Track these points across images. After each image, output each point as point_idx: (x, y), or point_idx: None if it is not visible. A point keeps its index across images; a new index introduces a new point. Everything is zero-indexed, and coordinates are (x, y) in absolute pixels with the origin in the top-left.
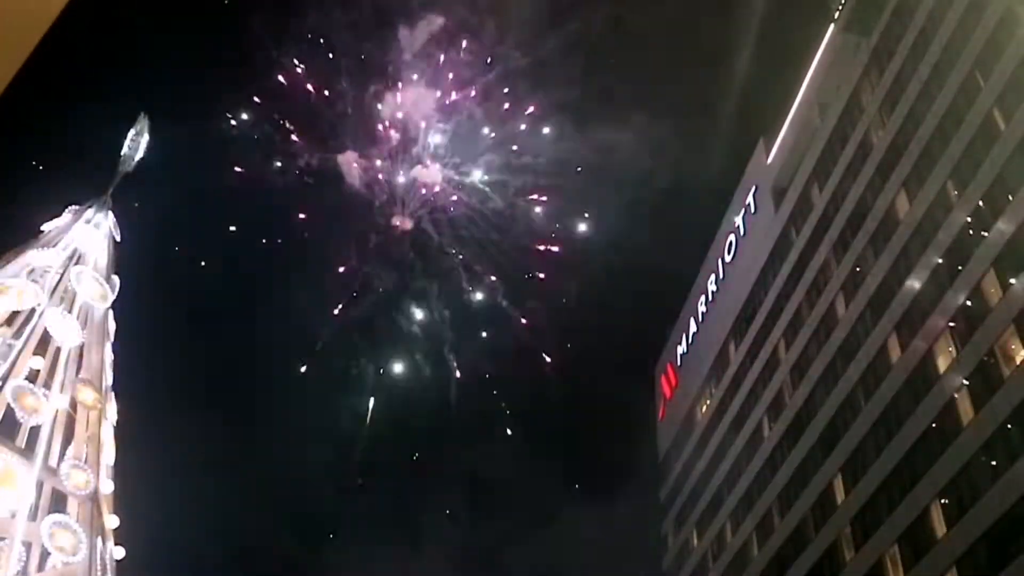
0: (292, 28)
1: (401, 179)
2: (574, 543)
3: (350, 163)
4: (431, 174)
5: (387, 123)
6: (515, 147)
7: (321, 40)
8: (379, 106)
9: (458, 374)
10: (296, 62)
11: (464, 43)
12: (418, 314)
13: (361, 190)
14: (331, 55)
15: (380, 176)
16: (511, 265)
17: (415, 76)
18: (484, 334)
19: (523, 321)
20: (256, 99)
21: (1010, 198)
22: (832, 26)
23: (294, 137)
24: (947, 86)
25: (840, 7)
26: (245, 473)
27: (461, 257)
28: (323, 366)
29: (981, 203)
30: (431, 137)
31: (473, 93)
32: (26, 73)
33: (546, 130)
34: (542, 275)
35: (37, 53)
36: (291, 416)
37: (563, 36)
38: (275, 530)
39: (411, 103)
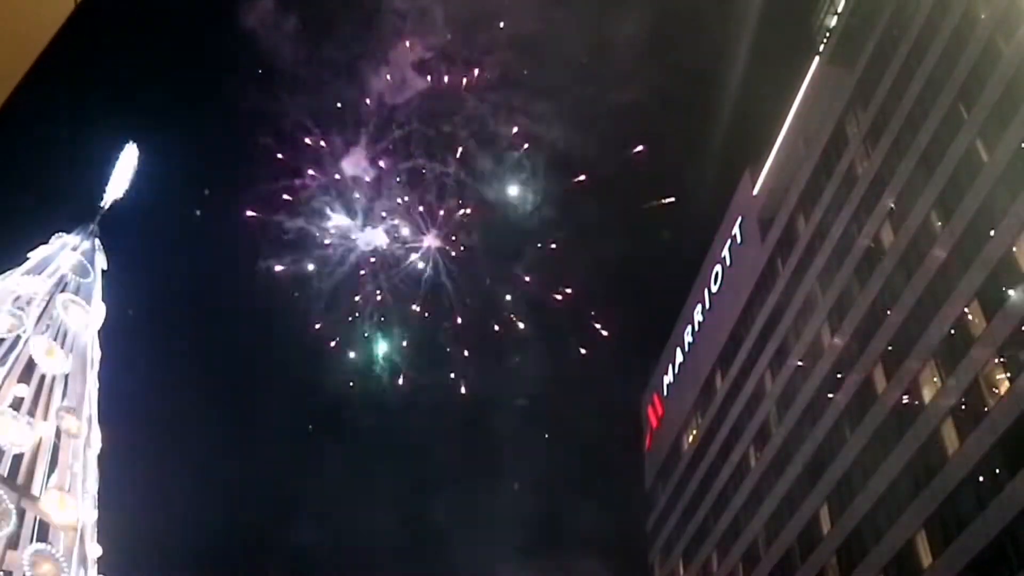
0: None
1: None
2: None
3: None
4: None
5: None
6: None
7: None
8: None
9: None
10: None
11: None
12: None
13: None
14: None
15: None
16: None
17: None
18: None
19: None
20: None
21: (992, 229)
22: (817, 58)
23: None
24: (930, 118)
25: (825, 40)
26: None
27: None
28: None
29: (964, 234)
30: None
31: None
32: (14, 100)
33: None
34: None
35: (26, 80)
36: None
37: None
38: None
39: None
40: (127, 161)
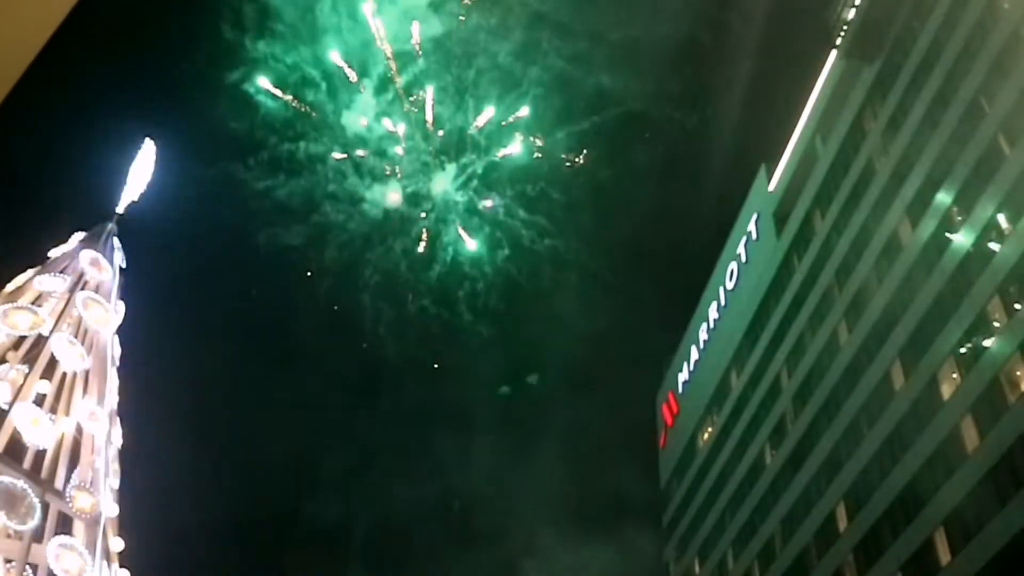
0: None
1: None
2: (576, 570)
3: None
4: None
5: None
6: None
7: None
8: None
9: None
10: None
11: None
12: None
13: None
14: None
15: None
16: None
17: None
18: None
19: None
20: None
21: (1015, 224)
22: (834, 52)
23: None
24: (951, 111)
25: (843, 33)
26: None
27: None
28: None
29: (985, 229)
30: None
31: None
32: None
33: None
34: None
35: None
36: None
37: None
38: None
39: None
40: (145, 158)
